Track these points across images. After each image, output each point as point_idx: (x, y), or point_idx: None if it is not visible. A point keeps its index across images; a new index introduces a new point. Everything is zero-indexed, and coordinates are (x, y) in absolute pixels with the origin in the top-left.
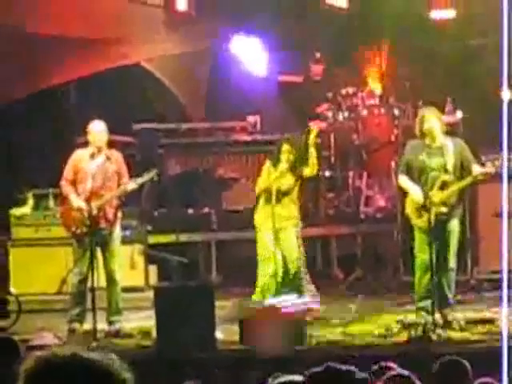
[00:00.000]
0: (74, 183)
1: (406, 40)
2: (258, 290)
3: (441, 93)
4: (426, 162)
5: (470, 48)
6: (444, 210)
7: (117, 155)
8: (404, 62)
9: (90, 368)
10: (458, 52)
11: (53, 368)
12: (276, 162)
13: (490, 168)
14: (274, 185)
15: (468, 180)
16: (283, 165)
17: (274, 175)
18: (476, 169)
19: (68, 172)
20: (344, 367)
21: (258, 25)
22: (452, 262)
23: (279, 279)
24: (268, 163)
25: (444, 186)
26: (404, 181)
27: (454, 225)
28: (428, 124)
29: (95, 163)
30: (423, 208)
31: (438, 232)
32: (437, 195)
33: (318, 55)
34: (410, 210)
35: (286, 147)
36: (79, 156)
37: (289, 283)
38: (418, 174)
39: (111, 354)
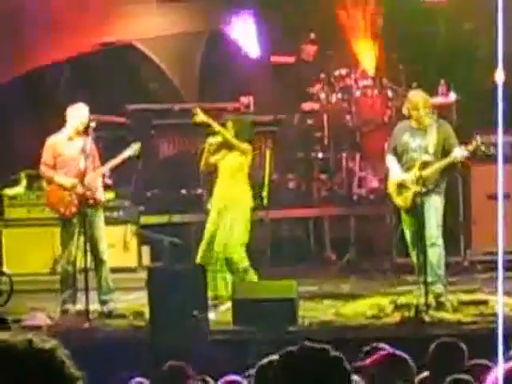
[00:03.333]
0: (53, 167)
1: (399, 22)
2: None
3: (434, 75)
4: (408, 143)
5: (464, 31)
6: (420, 189)
7: (89, 139)
8: (397, 44)
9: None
10: (451, 35)
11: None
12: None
13: (461, 151)
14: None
15: (446, 161)
16: (216, 139)
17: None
18: (457, 150)
19: (47, 157)
20: (318, 346)
21: (251, 5)
22: (435, 238)
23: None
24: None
25: (424, 166)
26: (390, 161)
27: (435, 201)
28: (413, 105)
29: (78, 146)
30: (401, 186)
31: (418, 210)
32: (416, 175)
33: (312, 36)
34: (390, 188)
35: (230, 123)
36: (56, 141)
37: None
38: (401, 154)
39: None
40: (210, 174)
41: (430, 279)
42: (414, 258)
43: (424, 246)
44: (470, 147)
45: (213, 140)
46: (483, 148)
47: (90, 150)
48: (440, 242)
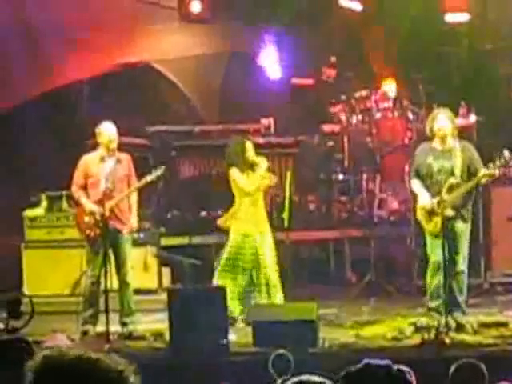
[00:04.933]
0: (84, 188)
1: (420, 43)
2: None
3: (455, 96)
4: (432, 166)
5: (485, 52)
6: (451, 213)
7: (126, 158)
8: (418, 65)
9: (97, 369)
10: (472, 56)
11: (60, 367)
12: (243, 164)
13: (491, 170)
14: (258, 186)
15: (473, 182)
16: (263, 162)
17: (258, 174)
18: (481, 172)
19: (78, 177)
20: (382, 362)
21: (273, 28)
22: (462, 265)
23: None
24: (234, 169)
25: (451, 189)
26: (415, 185)
27: (464, 227)
28: (439, 123)
29: (107, 166)
30: (431, 212)
31: (447, 235)
32: (444, 199)
33: (333, 59)
34: (419, 214)
35: (249, 145)
36: (88, 160)
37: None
38: (425, 177)
39: (119, 357)
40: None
41: (451, 306)
42: (433, 283)
43: (450, 271)
44: (499, 162)
45: (265, 163)
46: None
47: (125, 171)
48: (466, 269)
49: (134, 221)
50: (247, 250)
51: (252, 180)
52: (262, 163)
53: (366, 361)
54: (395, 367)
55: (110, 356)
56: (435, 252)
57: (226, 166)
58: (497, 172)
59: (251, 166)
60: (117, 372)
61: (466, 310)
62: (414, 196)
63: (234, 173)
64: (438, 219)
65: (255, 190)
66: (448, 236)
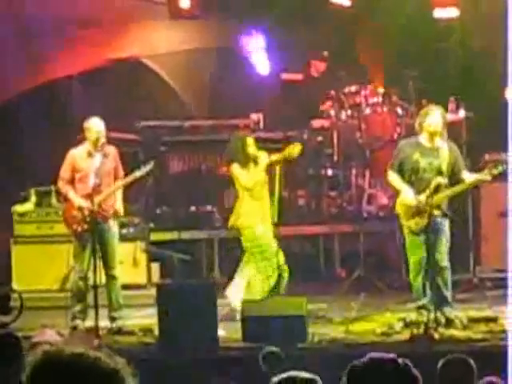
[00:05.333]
0: (71, 182)
1: (410, 39)
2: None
3: (444, 92)
4: (419, 162)
5: (475, 47)
6: (437, 213)
7: (113, 151)
8: (408, 61)
9: (95, 368)
10: (462, 51)
11: (59, 364)
12: (244, 159)
13: (485, 176)
14: (260, 179)
15: (462, 186)
16: (262, 154)
17: (259, 169)
18: (467, 175)
19: (65, 172)
20: (387, 356)
21: (262, 23)
22: (445, 261)
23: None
24: (235, 164)
25: (438, 188)
26: (395, 180)
27: (445, 223)
28: (432, 119)
29: (96, 161)
30: (416, 210)
31: (429, 233)
32: (431, 198)
33: (325, 53)
34: (400, 209)
35: (250, 140)
36: (75, 155)
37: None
38: (409, 173)
39: (117, 356)
40: (221, 191)
41: (438, 302)
42: (417, 281)
43: (434, 268)
44: (495, 170)
45: (266, 158)
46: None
47: (113, 164)
48: (448, 264)
49: (119, 206)
50: (261, 240)
51: (253, 175)
52: (264, 158)
53: (370, 354)
54: (401, 361)
55: (109, 355)
56: (416, 251)
57: (227, 162)
58: (490, 178)
59: (253, 161)
60: (116, 371)
61: (453, 304)
62: (395, 190)
63: (235, 169)
64: (421, 217)
65: (255, 185)
66: (429, 233)
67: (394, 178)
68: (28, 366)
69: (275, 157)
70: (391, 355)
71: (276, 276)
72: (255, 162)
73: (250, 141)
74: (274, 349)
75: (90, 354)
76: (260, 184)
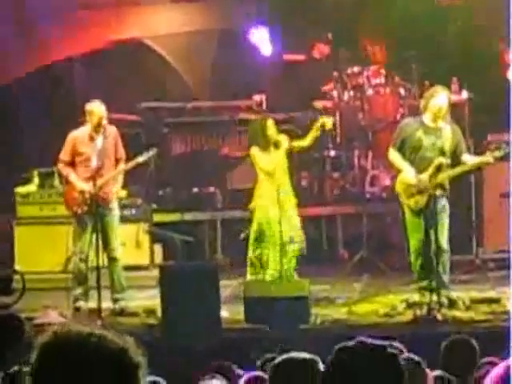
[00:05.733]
0: (72, 165)
1: (412, 21)
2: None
3: (447, 73)
4: (422, 141)
5: (477, 29)
6: (438, 193)
7: (113, 131)
8: (410, 42)
9: (104, 347)
10: (464, 33)
11: (68, 344)
12: (264, 142)
13: (487, 158)
14: (279, 163)
15: (464, 168)
16: (282, 137)
17: (279, 153)
18: (467, 158)
19: (65, 154)
20: (376, 342)
21: (264, 4)
22: (445, 244)
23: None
24: (254, 147)
25: (440, 168)
26: (396, 158)
27: (445, 204)
28: (438, 100)
29: (97, 145)
30: (416, 189)
31: (428, 213)
32: (432, 177)
33: (329, 35)
34: (400, 188)
35: (270, 122)
36: (76, 137)
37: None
38: (411, 151)
39: (127, 336)
40: (223, 172)
41: (435, 285)
42: (418, 263)
43: (434, 250)
44: (498, 153)
45: (286, 142)
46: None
47: (113, 144)
48: (448, 247)
49: (119, 189)
50: (271, 225)
51: (273, 158)
52: (284, 141)
53: (359, 338)
54: (390, 349)
55: (118, 334)
56: (416, 232)
57: (248, 145)
58: (492, 161)
59: (273, 145)
60: (125, 350)
61: (450, 287)
62: (395, 167)
63: (254, 152)
64: (421, 196)
65: (275, 169)
66: (430, 214)
67: (394, 156)
68: (37, 345)
69: (296, 142)
70: (381, 342)
71: (277, 266)
72: (276, 145)
73: (270, 123)
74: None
75: (98, 332)
76: (281, 168)
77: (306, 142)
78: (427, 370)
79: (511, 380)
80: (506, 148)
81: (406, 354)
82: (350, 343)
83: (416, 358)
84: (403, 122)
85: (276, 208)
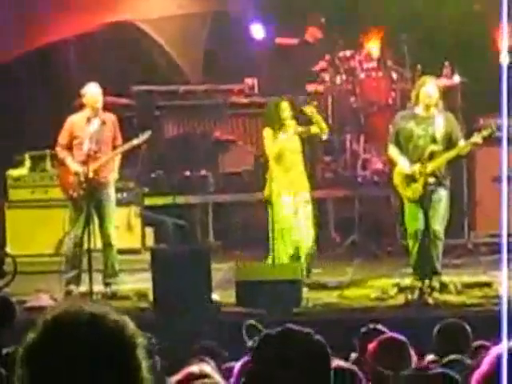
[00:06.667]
0: (69, 148)
1: (404, 4)
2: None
3: (439, 57)
4: (414, 130)
5: (471, 12)
6: (432, 180)
7: (112, 118)
8: (402, 26)
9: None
10: (457, 16)
11: (70, 323)
12: (277, 124)
13: (475, 139)
14: (287, 146)
15: (455, 151)
16: (290, 122)
17: (286, 137)
18: (463, 143)
19: (63, 138)
20: (302, 329)
21: None
22: (440, 233)
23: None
24: (267, 129)
25: (432, 156)
26: (393, 152)
27: (443, 194)
28: (428, 91)
29: (91, 127)
30: (410, 178)
31: (426, 202)
32: (425, 165)
33: (322, 20)
34: (397, 180)
35: (285, 105)
36: (74, 121)
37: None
38: (404, 142)
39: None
40: (215, 156)
41: (429, 272)
42: (414, 249)
43: (429, 238)
44: (485, 132)
45: (293, 124)
46: (497, 133)
47: (111, 131)
48: (443, 236)
49: (116, 173)
50: (283, 210)
51: (279, 142)
52: (290, 128)
53: (287, 325)
54: (317, 337)
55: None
56: (414, 221)
57: (262, 126)
58: (480, 141)
59: (284, 128)
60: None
61: (442, 274)
62: (392, 162)
63: (265, 133)
64: (417, 185)
65: (279, 154)
66: (427, 203)
67: (392, 150)
68: (40, 322)
69: (303, 128)
70: (307, 330)
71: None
72: (284, 129)
73: (285, 105)
74: (254, 322)
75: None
76: (289, 152)
77: (314, 129)
78: (411, 350)
79: (502, 366)
80: (492, 127)
81: (389, 334)
82: (278, 329)
83: (400, 337)
84: (397, 116)
85: (287, 194)
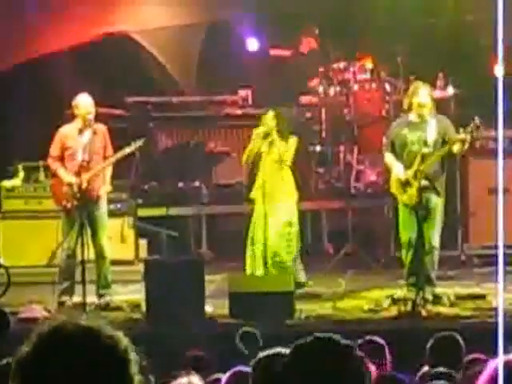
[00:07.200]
0: (61, 159)
1: (398, 15)
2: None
3: (433, 68)
4: (407, 137)
5: (464, 23)
6: (425, 182)
7: (103, 129)
8: (396, 37)
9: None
10: (451, 27)
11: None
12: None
13: (462, 135)
14: (264, 152)
15: (445, 149)
16: (263, 128)
17: (261, 141)
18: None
19: (54, 149)
20: (328, 336)
21: None
22: (435, 241)
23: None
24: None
25: (424, 159)
26: (389, 159)
27: (437, 201)
28: (420, 99)
29: (83, 138)
30: (406, 184)
31: (420, 209)
32: (418, 169)
33: (316, 31)
34: (394, 187)
35: (270, 113)
36: (65, 132)
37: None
38: (399, 149)
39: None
40: (209, 167)
41: (423, 281)
42: (408, 258)
43: (424, 246)
44: (470, 128)
45: (261, 130)
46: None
47: (102, 142)
48: (438, 245)
49: (107, 187)
50: (257, 219)
51: (255, 148)
52: (280, 144)
53: (315, 334)
54: (343, 342)
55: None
56: (409, 228)
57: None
58: (468, 137)
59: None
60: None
61: (436, 284)
62: (388, 169)
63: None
64: (412, 191)
65: (246, 161)
66: (422, 211)
67: (387, 158)
68: (34, 336)
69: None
70: (335, 336)
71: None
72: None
73: (271, 116)
74: (250, 329)
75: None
76: (267, 160)
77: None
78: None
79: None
80: (476, 121)
81: (367, 337)
82: (307, 339)
83: (378, 340)
84: (392, 125)
85: (261, 202)
